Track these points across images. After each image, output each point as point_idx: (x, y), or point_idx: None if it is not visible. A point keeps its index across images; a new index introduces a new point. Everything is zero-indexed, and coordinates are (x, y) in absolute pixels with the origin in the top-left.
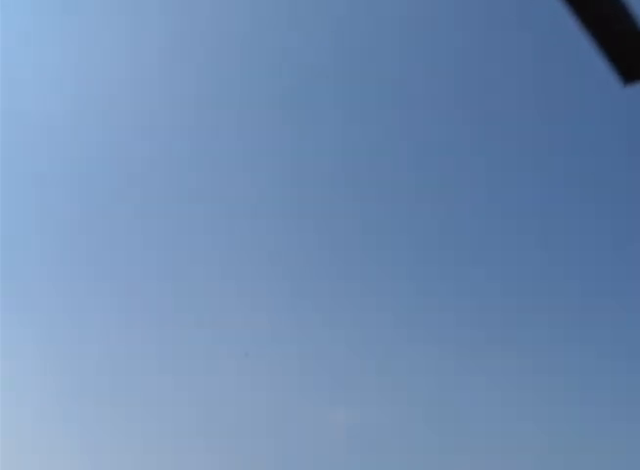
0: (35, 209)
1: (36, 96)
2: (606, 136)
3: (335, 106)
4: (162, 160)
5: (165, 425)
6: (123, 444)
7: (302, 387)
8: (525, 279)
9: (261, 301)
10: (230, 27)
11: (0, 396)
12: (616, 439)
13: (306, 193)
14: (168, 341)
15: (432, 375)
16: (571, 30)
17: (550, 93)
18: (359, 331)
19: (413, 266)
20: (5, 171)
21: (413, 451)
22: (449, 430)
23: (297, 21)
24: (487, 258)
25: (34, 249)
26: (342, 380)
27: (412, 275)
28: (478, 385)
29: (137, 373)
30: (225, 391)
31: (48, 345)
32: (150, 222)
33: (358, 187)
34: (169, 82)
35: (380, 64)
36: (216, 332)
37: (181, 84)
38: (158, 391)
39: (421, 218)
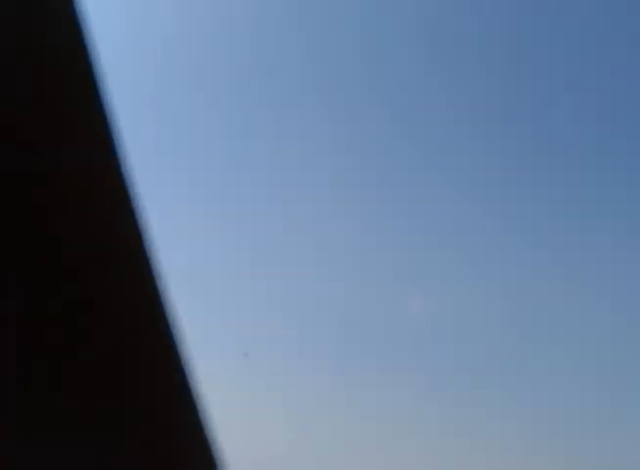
0: None
1: None
2: None
3: None
4: None
5: None
6: None
7: (378, 277)
8: None
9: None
10: None
11: None
12: None
13: None
14: None
15: (513, 265)
16: None
17: None
18: (434, 221)
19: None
20: None
21: (492, 340)
22: (530, 319)
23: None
24: None
25: None
26: (419, 268)
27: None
28: (561, 275)
29: None
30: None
31: None
32: None
33: None
34: None
35: None
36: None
37: None
38: None
39: None
